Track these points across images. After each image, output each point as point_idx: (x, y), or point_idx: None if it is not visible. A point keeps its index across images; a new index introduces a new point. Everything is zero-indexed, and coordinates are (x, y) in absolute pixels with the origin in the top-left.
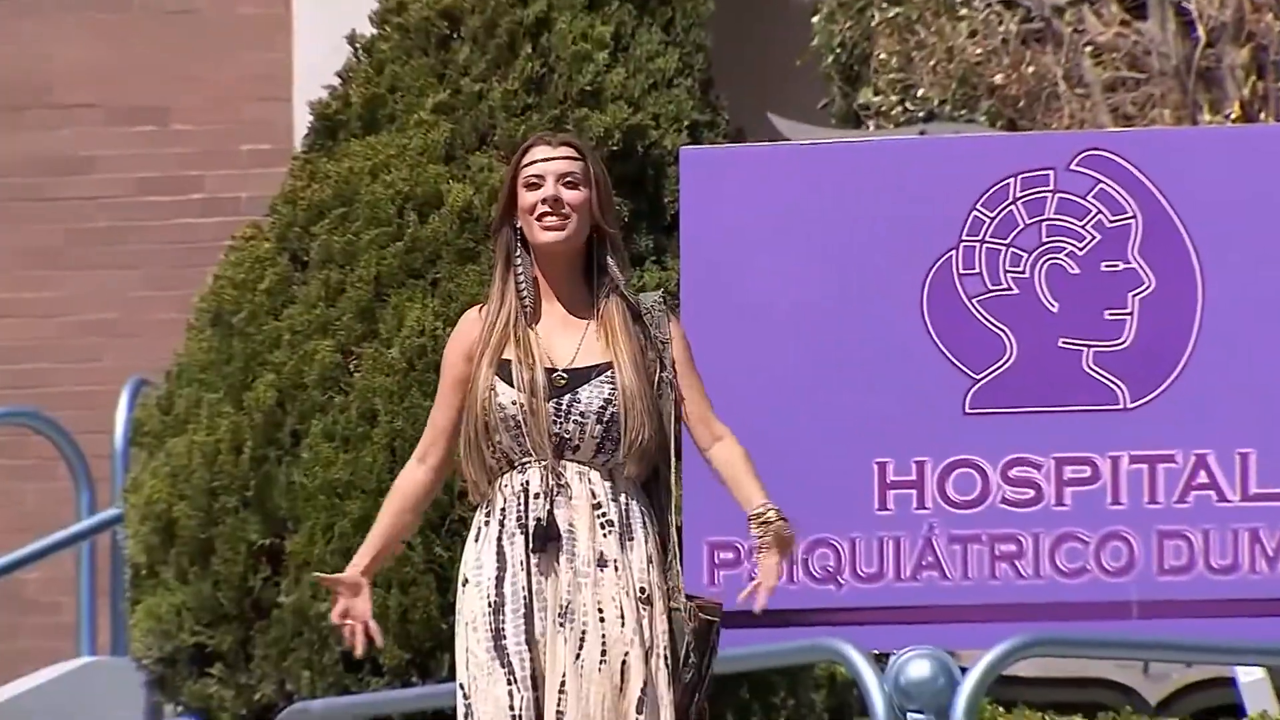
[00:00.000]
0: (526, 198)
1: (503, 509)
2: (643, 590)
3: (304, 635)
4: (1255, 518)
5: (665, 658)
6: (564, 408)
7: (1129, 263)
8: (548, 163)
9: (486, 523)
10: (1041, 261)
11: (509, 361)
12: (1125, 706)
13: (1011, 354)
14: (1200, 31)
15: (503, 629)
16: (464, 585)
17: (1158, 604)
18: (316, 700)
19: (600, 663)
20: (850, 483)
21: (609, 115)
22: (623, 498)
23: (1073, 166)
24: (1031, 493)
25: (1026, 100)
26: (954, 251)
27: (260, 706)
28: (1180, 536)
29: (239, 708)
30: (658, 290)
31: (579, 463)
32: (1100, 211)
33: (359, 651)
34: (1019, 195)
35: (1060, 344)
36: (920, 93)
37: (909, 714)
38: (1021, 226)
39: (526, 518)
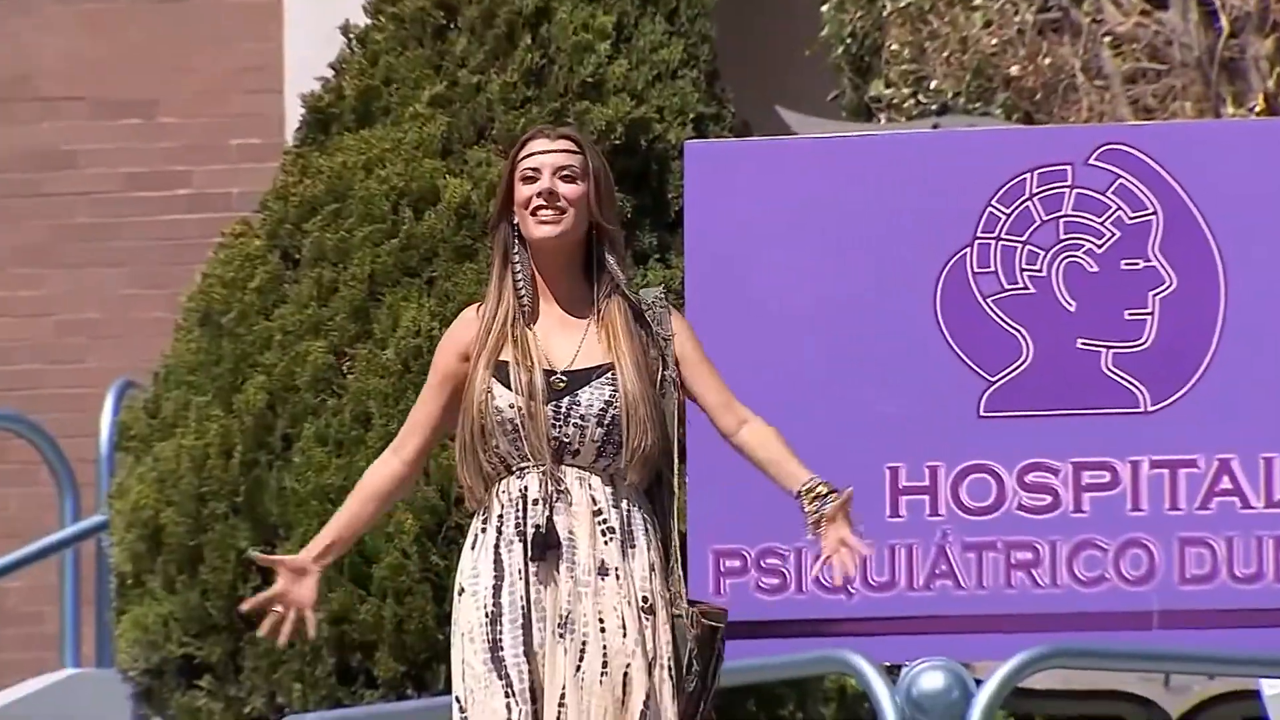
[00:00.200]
0: (523, 191)
1: (500, 516)
2: (645, 599)
3: (295, 647)
4: None
5: (669, 669)
6: (563, 411)
7: (1149, 260)
8: (545, 155)
9: (483, 530)
10: (1059, 259)
11: (506, 363)
12: None
13: (1028, 355)
14: (1223, 21)
15: (500, 640)
16: (460, 595)
17: (1179, 614)
18: (308, 714)
19: (601, 674)
20: (861, 488)
21: (611, 108)
22: (624, 504)
23: (1091, 161)
24: (1048, 499)
25: (1043, 92)
26: (968, 249)
27: None
28: (1203, 544)
29: None
30: (659, 286)
31: (579, 467)
32: (1120, 207)
33: (281, 641)
34: (1035, 191)
35: (1078, 345)
36: (933, 85)
37: None
38: (1038, 223)
39: (525, 525)
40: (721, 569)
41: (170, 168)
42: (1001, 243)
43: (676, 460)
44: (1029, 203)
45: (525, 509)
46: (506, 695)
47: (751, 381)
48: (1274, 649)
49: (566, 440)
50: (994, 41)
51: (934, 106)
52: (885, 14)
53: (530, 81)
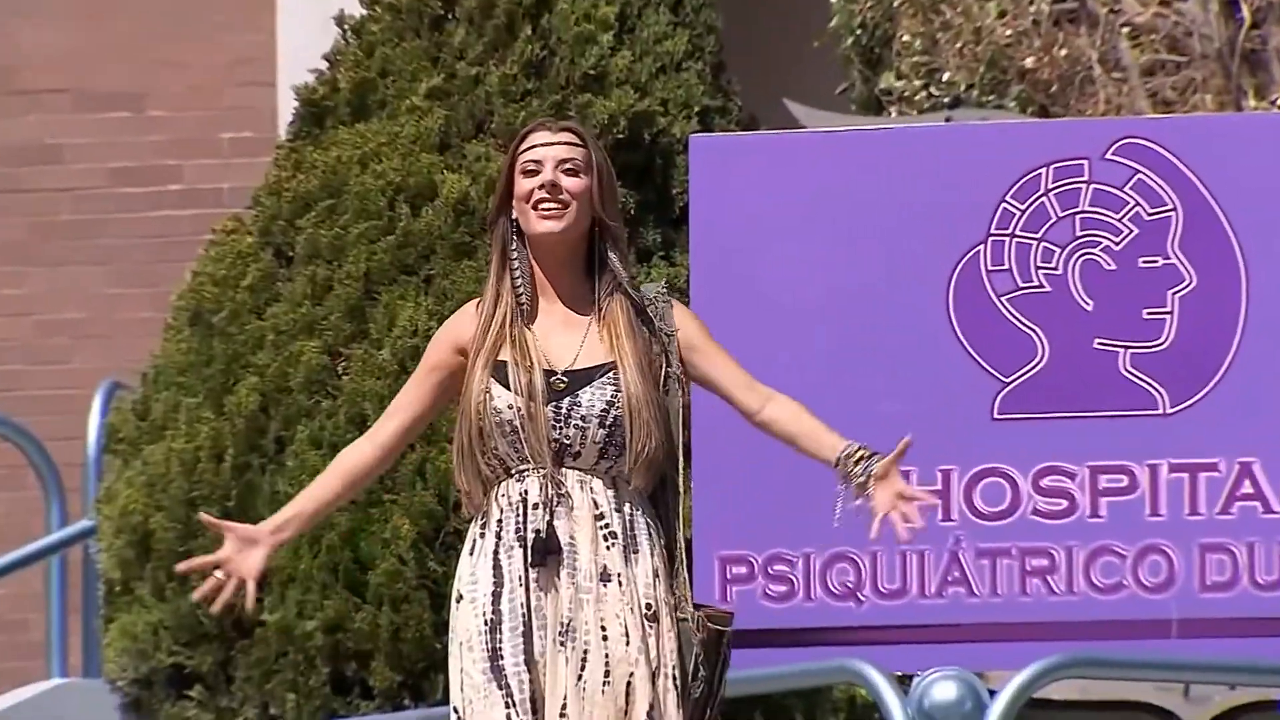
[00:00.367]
0: (523, 185)
1: (499, 520)
2: (648, 606)
3: (289, 655)
4: None
5: (674, 678)
6: (564, 412)
7: (1168, 258)
8: (547, 148)
9: (482, 535)
10: (1075, 257)
11: (505, 363)
12: None
13: (1043, 355)
14: (1245, 12)
15: (500, 649)
16: (458, 602)
17: (1199, 622)
18: None
19: (604, 684)
20: None
21: (614, 101)
22: (627, 507)
23: (1108, 156)
24: (1064, 503)
25: (1059, 85)
26: (982, 246)
27: None
28: (1223, 550)
29: None
30: (660, 281)
31: (580, 470)
32: (1138, 203)
33: (214, 608)
34: (1051, 186)
35: (1095, 345)
36: (946, 77)
37: None
38: (1054, 220)
39: (525, 530)
40: (728, 576)
41: (159, 162)
42: (1016, 240)
43: (681, 460)
44: (1044, 198)
45: (525, 513)
46: (507, 705)
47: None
48: None
49: (567, 442)
50: (1008, 32)
51: (946, 99)
52: (896, 4)
53: (530, 73)
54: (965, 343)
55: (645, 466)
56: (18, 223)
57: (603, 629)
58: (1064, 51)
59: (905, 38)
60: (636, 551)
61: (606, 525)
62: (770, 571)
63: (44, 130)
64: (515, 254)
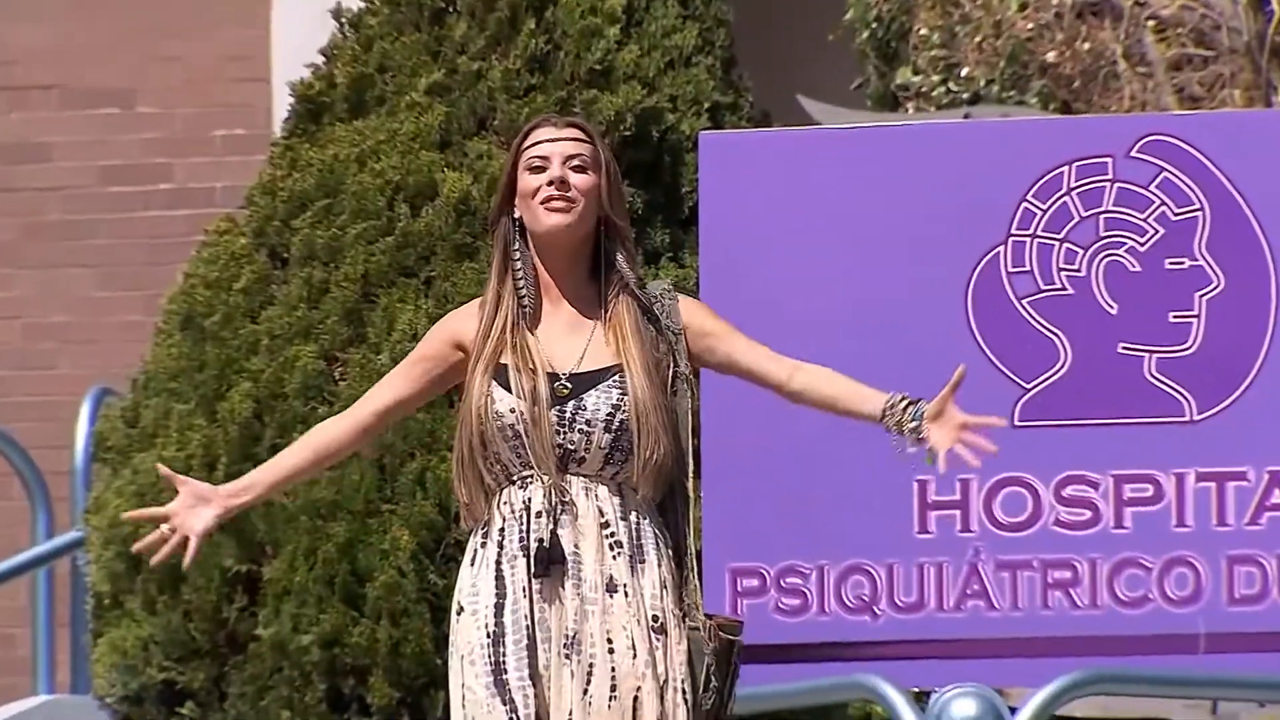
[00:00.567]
0: (529, 181)
1: (501, 529)
2: (655, 618)
3: (284, 671)
4: None
5: (683, 691)
6: (568, 416)
7: (1196, 259)
8: (553, 144)
9: (483, 545)
10: (1099, 258)
11: (506, 366)
12: None
13: (1066, 361)
14: (1275, 4)
15: (504, 662)
16: (459, 614)
17: (1227, 637)
18: None
19: (610, 698)
20: (887, 503)
21: (621, 97)
22: (633, 515)
23: (1133, 153)
24: (1088, 514)
25: (1082, 80)
26: (1002, 247)
27: None
28: (1252, 562)
29: None
30: (667, 280)
31: (585, 476)
32: (1164, 203)
33: (153, 561)
34: (1074, 185)
35: (1119, 349)
36: (965, 72)
37: None
38: (1077, 220)
39: (528, 539)
40: (739, 588)
41: (149, 161)
42: (1037, 241)
43: (691, 464)
44: (1067, 198)
45: (528, 522)
46: None
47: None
48: None
49: (571, 447)
50: (1030, 25)
51: (965, 95)
52: None
53: (534, 68)
54: (985, 347)
55: (654, 475)
56: (3, 224)
57: (609, 641)
58: (1087, 45)
59: (923, 31)
60: (643, 561)
61: (612, 534)
62: (783, 584)
63: (31, 128)
64: (518, 254)
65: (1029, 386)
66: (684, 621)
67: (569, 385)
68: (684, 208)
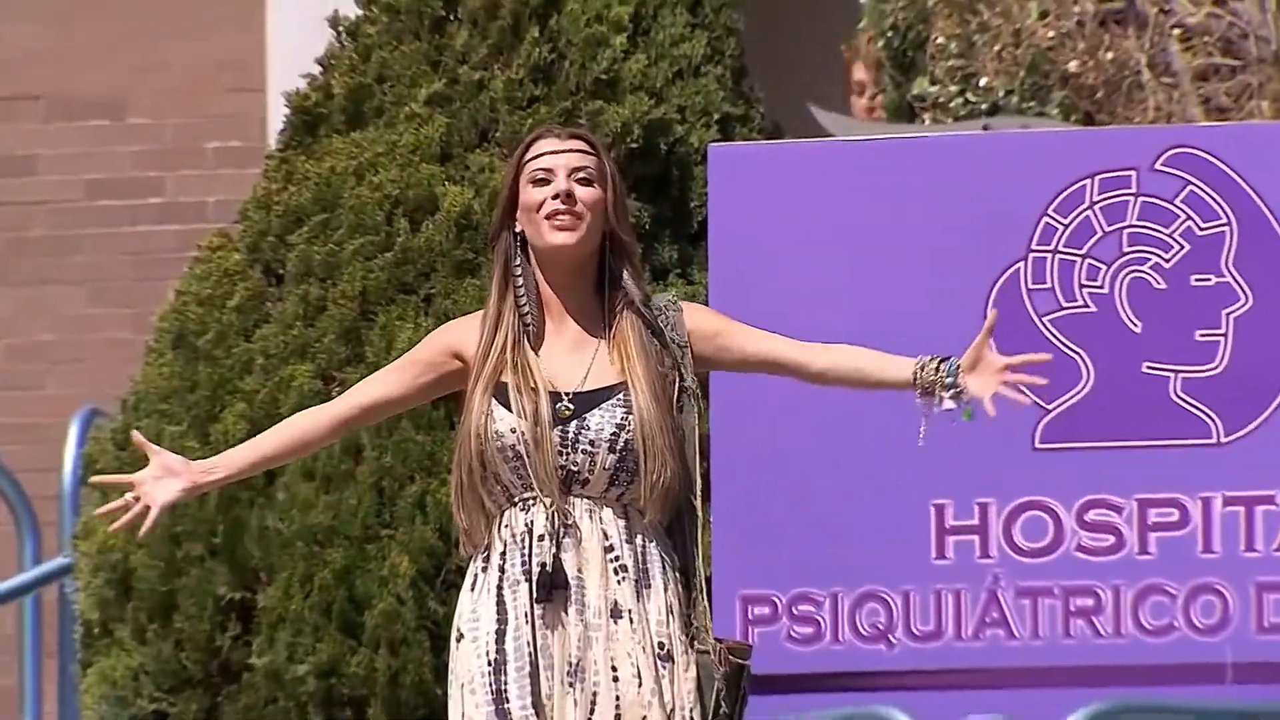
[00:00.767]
0: (532, 195)
1: (503, 554)
2: (661, 645)
3: (279, 702)
4: None
5: None
6: (571, 436)
7: (1222, 276)
8: (557, 156)
9: (484, 570)
10: (1122, 275)
11: (507, 385)
12: None
13: (1088, 380)
14: None
15: (505, 691)
16: (458, 641)
17: (1256, 666)
18: None
19: None
20: (904, 528)
21: (627, 108)
22: (639, 539)
23: (1158, 166)
24: (1111, 539)
25: (1105, 90)
26: (1022, 263)
27: None
28: None
29: None
30: (670, 292)
31: (589, 498)
32: (1190, 217)
33: (112, 528)
34: (1096, 199)
35: (1144, 369)
36: (983, 82)
37: None
38: (1099, 235)
39: (530, 563)
40: (750, 616)
41: (139, 174)
42: (1059, 256)
43: (699, 485)
44: (1089, 212)
45: (530, 546)
46: None
47: (782, 407)
48: None
49: (575, 468)
50: (1050, 34)
51: (984, 106)
52: (930, 4)
53: (538, 78)
54: None
55: (661, 498)
56: None
57: (613, 669)
58: (1110, 55)
59: (940, 40)
60: (649, 587)
61: (617, 558)
62: (795, 612)
63: (16, 140)
64: (519, 270)
65: (1050, 407)
66: (692, 646)
67: (571, 406)
68: (693, 222)
